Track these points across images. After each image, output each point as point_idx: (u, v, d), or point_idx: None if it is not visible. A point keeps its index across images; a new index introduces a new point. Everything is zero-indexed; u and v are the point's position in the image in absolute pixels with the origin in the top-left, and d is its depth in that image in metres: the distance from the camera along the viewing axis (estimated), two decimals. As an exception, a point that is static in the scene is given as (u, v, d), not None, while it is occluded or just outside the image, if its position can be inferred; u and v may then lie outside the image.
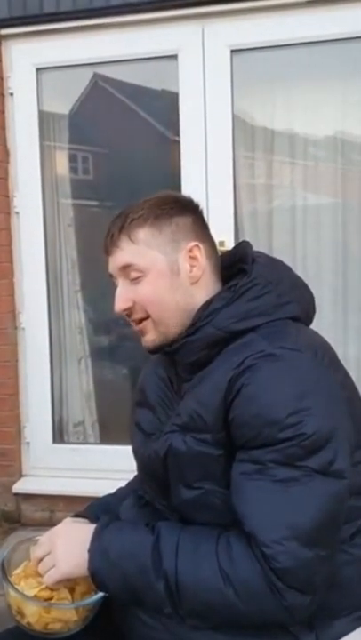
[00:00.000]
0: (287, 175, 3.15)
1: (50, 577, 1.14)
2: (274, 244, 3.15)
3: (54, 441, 3.37)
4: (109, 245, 1.21)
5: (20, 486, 3.31)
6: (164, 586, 1.06)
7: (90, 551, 1.12)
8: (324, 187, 3.15)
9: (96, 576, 1.12)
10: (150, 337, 1.23)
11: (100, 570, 1.11)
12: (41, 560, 1.17)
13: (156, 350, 1.26)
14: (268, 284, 1.18)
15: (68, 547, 1.15)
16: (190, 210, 1.24)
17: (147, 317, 1.21)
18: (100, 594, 1.15)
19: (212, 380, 1.13)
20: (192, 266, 1.21)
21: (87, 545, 1.13)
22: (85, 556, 1.12)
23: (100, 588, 1.13)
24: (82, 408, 3.47)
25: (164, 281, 1.19)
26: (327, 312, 3.08)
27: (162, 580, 1.06)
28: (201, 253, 1.21)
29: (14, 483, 3.31)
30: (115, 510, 1.35)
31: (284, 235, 3.15)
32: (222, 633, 1.10)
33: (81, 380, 3.46)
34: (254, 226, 3.17)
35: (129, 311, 1.22)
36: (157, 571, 1.07)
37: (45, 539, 1.20)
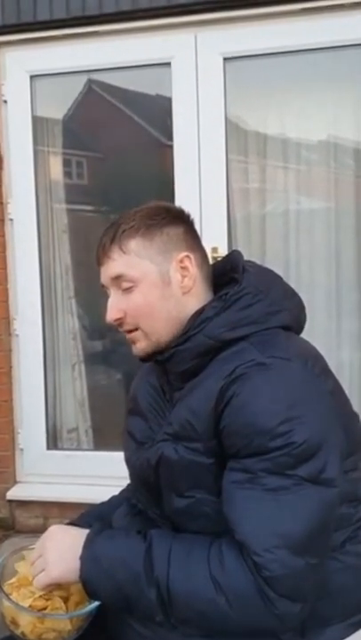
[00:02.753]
0: (280, 180, 3.17)
1: (39, 581, 1.14)
2: (267, 249, 3.16)
3: (48, 447, 3.37)
4: (101, 256, 1.22)
5: (14, 493, 3.30)
6: (155, 594, 1.06)
7: (82, 558, 1.12)
8: (318, 191, 3.16)
9: (88, 584, 1.11)
10: (141, 345, 1.24)
11: (91, 577, 1.11)
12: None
13: (147, 358, 1.26)
14: (259, 293, 1.19)
15: (58, 552, 1.14)
16: (181, 220, 1.25)
17: (137, 329, 1.22)
18: (94, 604, 1.15)
19: (203, 388, 1.14)
20: (183, 276, 1.21)
21: (79, 551, 1.12)
22: (76, 562, 1.12)
23: (91, 595, 1.13)
24: (76, 414, 3.47)
25: (156, 291, 1.20)
26: (321, 317, 3.09)
27: (153, 587, 1.06)
28: (192, 263, 1.22)
29: (8, 489, 3.30)
30: (108, 519, 1.35)
31: (278, 239, 3.15)
32: (214, 641, 1.11)
33: (75, 386, 3.46)
34: (248, 230, 3.18)
35: (120, 321, 1.22)
36: (149, 578, 1.07)
37: (38, 543, 1.19)
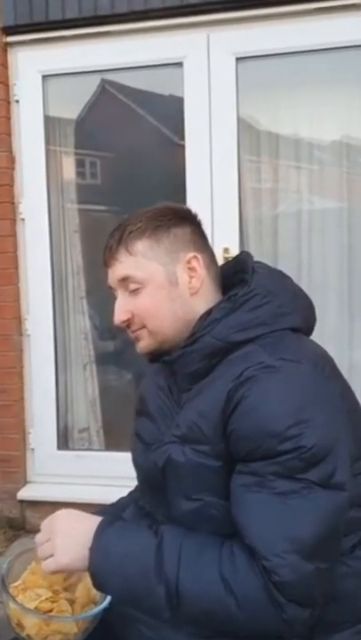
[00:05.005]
0: (292, 180, 3.15)
1: (47, 565, 1.12)
2: (279, 249, 3.14)
3: (59, 447, 3.37)
4: (108, 258, 1.22)
5: (25, 493, 3.31)
6: (164, 591, 1.05)
7: (91, 549, 1.10)
8: (330, 191, 3.14)
9: (96, 575, 1.10)
10: (144, 343, 1.23)
11: (100, 569, 1.09)
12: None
13: (154, 359, 1.26)
14: (269, 295, 1.18)
15: (68, 538, 1.12)
16: (188, 221, 1.24)
17: (143, 327, 1.22)
18: (101, 606, 1.15)
19: (211, 391, 1.13)
20: (191, 277, 1.21)
21: (89, 540, 1.10)
22: (85, 551, 1.10)
23: (99, 587, 1.12)
24: (87, 414, 3.47)
25: (163, 292, 1.19)
26: (332, 318, 3.06)
27: (163, 584, 1.05)
28: (200, 264, 1.21)
29: (19, 489, 3.31)
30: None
31: (290, 239, 3.14)
32: (220, 643, 1.09)
33: (86, 387, 3.46)
34: (259, 230, 3.16)
35: (128, 322, 1.22)
36: (159, 575, 1.06)
37: (46, 524, 1.17)
